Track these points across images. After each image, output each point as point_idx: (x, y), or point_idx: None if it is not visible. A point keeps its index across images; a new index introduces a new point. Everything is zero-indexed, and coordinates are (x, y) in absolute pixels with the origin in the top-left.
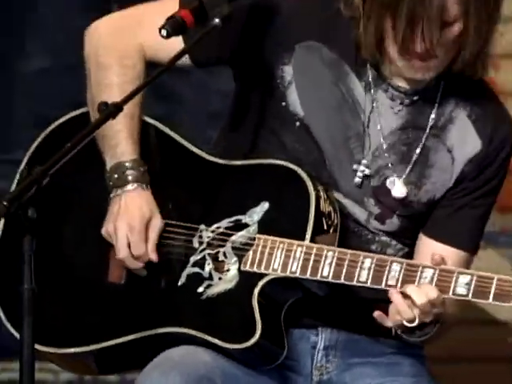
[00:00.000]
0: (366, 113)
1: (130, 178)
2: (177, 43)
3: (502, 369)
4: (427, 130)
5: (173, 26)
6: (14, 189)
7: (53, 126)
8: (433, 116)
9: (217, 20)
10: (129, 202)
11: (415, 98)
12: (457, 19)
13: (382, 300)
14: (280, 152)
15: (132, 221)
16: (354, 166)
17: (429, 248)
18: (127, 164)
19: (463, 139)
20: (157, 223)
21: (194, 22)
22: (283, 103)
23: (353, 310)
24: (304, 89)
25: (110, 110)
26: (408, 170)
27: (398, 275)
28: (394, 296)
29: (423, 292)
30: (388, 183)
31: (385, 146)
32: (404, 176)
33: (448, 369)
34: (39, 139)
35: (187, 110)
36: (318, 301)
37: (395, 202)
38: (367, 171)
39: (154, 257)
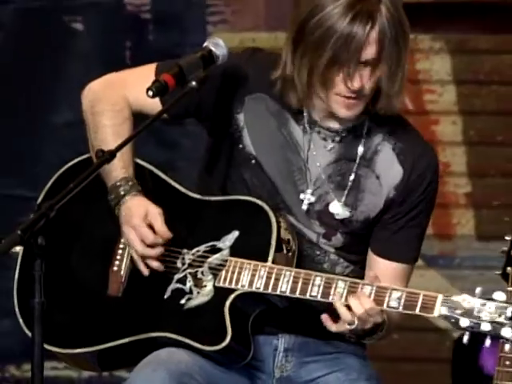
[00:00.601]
0: (305, 151)
1: (122, 193)
2: (156, 100)
3: (443, 368)
4: (357, 161)
5: (158, 88)
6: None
7: (64, 168)
8: (361, 149)
9: (194, 83)
10: (126, 212)
11: (344, 135)
12: (375, 60)
13: (329, 310)
14: (242, 186)
15: (132, 222)
16: (301, 196)
17: (376, 264)
18: (118, 183)
19: (388, 168)
20: (154, 211)
21: (175, 85)
22: (240, 145)
23: (306, 319)
24: (255, 133)
25: (106, 157)
26: (345, 194)
27: (343, 290)
28: (338, 305)
29: (361, 304)
30: (330, 207)
31: (323, 177)
32: (342, 200)
33: (395, 367)
34: (53, 179)
35: (184, 156)
36: (279, 312)
37: (336, 221)
38: (312, 199)
39: (167, 235)
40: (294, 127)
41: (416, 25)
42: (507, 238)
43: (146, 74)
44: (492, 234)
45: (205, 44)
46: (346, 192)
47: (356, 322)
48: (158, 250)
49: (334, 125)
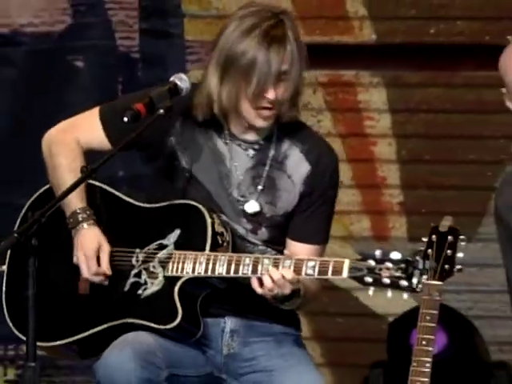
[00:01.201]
0: (228, 160)
1: (80, 219)
2: (101, 137)
3: (380, 347)
4: (270, 164)
5: (132, 115)
6: (20, 226)
7: (45, 187)
8: (272, 154)
9: (161, 111)
10: (81, 238)
11: (259, 145)
12: (286, 76)
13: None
14: (181, 194)
15: (86, 251)
16: (230, 198)
17: (293, 247)
18: (77, 211)
19: (298, 167)
20: (105, 248)
21: (146, 112)
22: (177, 162)
23: (249, 304)
24: (187, 151)
25: (88, 172)
26: (261, 194)
27: (268, 266)
28: (263, 277)
29: (280, 272)
30: (245, 206)
31: (244, 181)
32: (259, 199)
33: (338, 346)
34: (36, 195)
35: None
36: (224, 296)
37: (260, 217)
38: (238, 200)
39: (108, 272)
40: (217, 141)
41: (357, 63)
42: (424, 239)
43: (91, 117)
44: (421, 236)
45: (171, 79)
46: (260, 192)
47: (276, 288)
48: (99, 278)
49: (251, 137)
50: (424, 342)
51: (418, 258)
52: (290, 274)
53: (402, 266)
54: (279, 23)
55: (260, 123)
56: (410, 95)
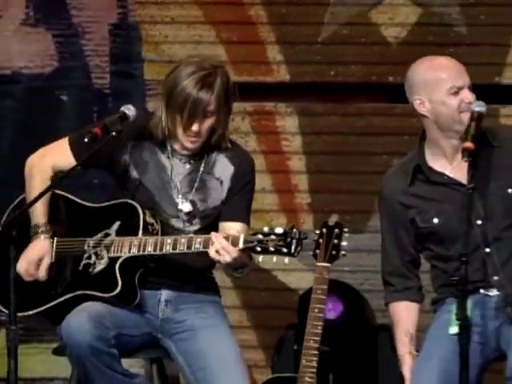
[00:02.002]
0: (170, 171)
1: (39, 231)
2: (71, 159)
3: (293, 313)
4: (202, 171)
5: (90, 137)
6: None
7: (22, 196)
8: (203, 164)
9: (114, 133)
10: (32, 245)
11: (193, 158)
12: (212, 114)
13: (198, 269)
14: (130, 199)
15: (31, 256)
16: (171, 200)
17: (221, 228)
18: (39, 225)
19: (225, 169)
20: (47, 261)
21: (102, 134)
22: (128, 173)
23: (178, 279)
24: (136, 164)
25: (57, 179)
26: (194, 194)
27: (185, 243)
28: (209, 249)
29: (220, 243)
30: (182, 205)
31: (183, 186)
32: (192, 198)
33: (260, 313)
34: (16, 201)
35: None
36: (159, 274)
37: (194, 211)
38: (180, 201)
39: (43, 279)
40: (161, 157)
41: (276, 97)
42: (316, 231)
43: (63, 144)
44: None
45: (121, 109)
46: (194, 192)
47: (218, 257)
48: (30, 278)
49: (187, 152)
50: (316, 310)
51: (294, 230)
52: (228, 246)
53: (283, 237)
54: (213, 73)
55: (189, 145)
56: (316, 122)
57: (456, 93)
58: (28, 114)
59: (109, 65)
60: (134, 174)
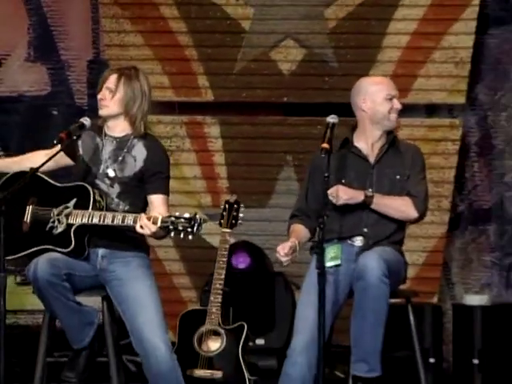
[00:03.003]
0: (101, 148)
1: None
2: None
3: (213, 264)
4: (125, 150)
5: (58, 139)
6: None
7: (9, 175)
8: (126, 145)
9: (74, 137)
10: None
11: (120, 140)
12: (111, 90)
13: (127, 235)
14: (82, 173)
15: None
16: (101, 168)
17: (150, 201)
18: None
19: (140, 152)
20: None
21: (66, 137)
22: (78, 154)
23: (113, 240)
24: (84, 149)
25: (34, 170)
26: (117, 166)
27: (120, 219)
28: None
29: (145, 221)
30: (108, 172)
31: (110, 159)
32: (116, 167)
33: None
34: (4, 179)
35: None
36: (99, 237)
37: (115, 178)
38: (107, 170)
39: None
40: (98, 139)
41: (204, 112)
42: (221, 206)
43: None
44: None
45: (80, 120)
46: (118, 164)
47: (142, 231)
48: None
49: (114, 134)
50: (221, 262)
51: (197, 216)
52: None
53: (188, 221)
54: (132, 70)
55: (100, 112)
56: (233, 129)
57: (390, 99)
58: (30, 125)
59: (86, 89)
60: (80, 152)
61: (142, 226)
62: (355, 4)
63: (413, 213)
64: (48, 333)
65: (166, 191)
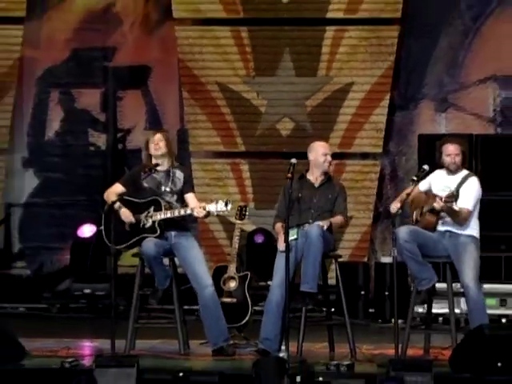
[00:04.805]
0: (160, 178)
1: (117, 208)
2: (121, 188)
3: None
4: (171, 175)
5: (148, 170)
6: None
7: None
8: (171, 173)
9: (153, 170)
10: (123, 212)
11: (166, 171)
12: (161, 141)
13: (182, 222)
14: (150, 193)
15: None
16: (164, 190)
17: (186, 197)
18: (118, 204)
19: (179, 175)
20: (131, 218)
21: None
22: (144, 185)
23: (176, 226)
24: (148, 181)
25: (121, 196)
26: (171, 184)
27: (180, 210)
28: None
29: (199, 208)
30: (168, 189)
31: (166, 182)
32: (171, 186)
33: None
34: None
35: None
36: (170, 224)
37: (172, 191)
38: (167, 189)
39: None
40: (153, 175)
41: (240, 157)
42: (238, 207)
43: (117, 182)
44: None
45: (153, 164)
46: (170, 184)
47: (197, 215)
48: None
49: (164, 168)
50: (236, 238)
51: (225, 200)
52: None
53: (224, 203)
54: (167, 131)
55: (155, 152)
56: (256, 167)
57: (325, 155)
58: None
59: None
60: (145, 184)
61: (197, 213)
62: (323, 98)
63: (344, 222)
64: (140, 276)
65: (193, 190)
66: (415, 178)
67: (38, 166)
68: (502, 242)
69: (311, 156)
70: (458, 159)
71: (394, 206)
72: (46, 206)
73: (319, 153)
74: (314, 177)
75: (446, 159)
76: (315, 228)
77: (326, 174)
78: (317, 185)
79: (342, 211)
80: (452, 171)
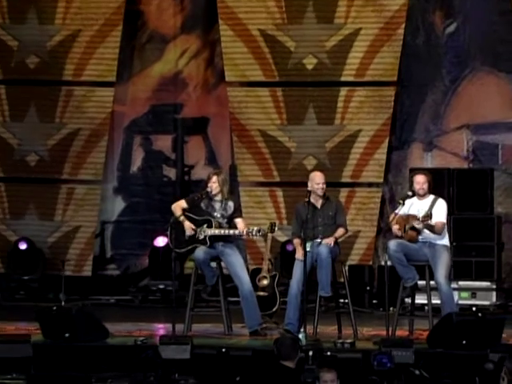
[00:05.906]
0: (214, 204)
1: (181, 219)
2: (185, 203)
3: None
4: (224, 205)
5: (198, 198)
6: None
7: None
8: (224, 203)
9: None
10: (186, 224)
11: (221, 201)
12: (216, 181)
13: (229, 238)
14: (206, 215)
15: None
16: (217, 214)
17: (235, 221)
18: (181, 216)
19: (231, 204)
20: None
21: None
22: (201, 209)
23: (222, 239)
24: (205, 204)
25: (186, 210)
26: (223, 210)
27: (227, 228)
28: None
29: (244, 228)
30: (219, 214)
31: (220, 208)
32: (223, 212)
33: None
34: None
35: None
36: (216, 239)
37: (224, 215)
38: (219, 214)
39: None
40: (210, 202)
41: (276, 186)
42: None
43: (181, 200)
44: None
45: (205, 191)
46: (222, 210)
47: (243, 233)
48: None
49: (218, 198)
50: (268, 248)
51: (261, 227)
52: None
53: (257, 230)
54: (222, 172)
55: (214, 191)
56: (287, 193)
57: (318, 184)
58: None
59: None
60: (203, 207)
61: (243, 231)
62: (338, 141)
63: (346, 232)
64: (195, 276)
65: (241, 216)
66: (401, 201)
67: (124, 193)
68: (472, 250)
69: (309, 184)
70: (426, 186)
71: (396, 229)
72: (131, 222)
73: (314, 183)
74: (316, 200)
75: (416, 187)
76: (324, 247)
77: (324, 196)
78: (319, 206)
79: (342, 223)
80: (421, 195)
